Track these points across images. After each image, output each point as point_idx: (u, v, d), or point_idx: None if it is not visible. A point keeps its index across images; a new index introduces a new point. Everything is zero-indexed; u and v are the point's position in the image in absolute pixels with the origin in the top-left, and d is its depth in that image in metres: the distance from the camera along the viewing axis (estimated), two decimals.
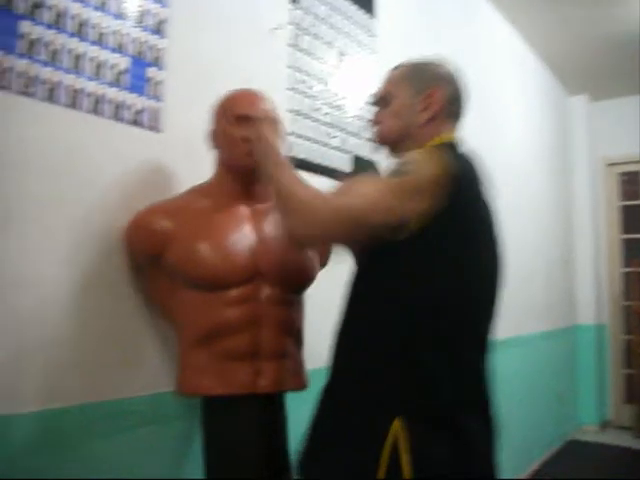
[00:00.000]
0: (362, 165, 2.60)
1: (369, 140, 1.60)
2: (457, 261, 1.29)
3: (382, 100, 1.51)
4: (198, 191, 1.63)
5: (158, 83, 1.72)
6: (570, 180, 5.72)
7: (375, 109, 1.54)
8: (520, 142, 4.52)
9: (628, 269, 5.72)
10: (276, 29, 2.18)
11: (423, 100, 1.43)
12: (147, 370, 1.65)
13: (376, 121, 1.52)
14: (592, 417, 5.50)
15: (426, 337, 1.27)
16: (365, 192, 1.27)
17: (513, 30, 4.50)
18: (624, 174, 5.84)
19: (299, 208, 1.29)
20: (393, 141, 1.48)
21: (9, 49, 1.37)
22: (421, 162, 1.28)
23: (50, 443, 1.41)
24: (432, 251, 1.27)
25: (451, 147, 1.42)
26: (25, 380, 1.37)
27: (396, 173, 1.28)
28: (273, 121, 1.54)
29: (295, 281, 1.63)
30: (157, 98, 1.71)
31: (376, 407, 1.26)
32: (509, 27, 4.43)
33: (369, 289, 1.35)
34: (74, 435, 1.45)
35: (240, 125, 1.55)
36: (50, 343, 1.43)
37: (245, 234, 1.56)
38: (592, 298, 5.63)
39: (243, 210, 1.60)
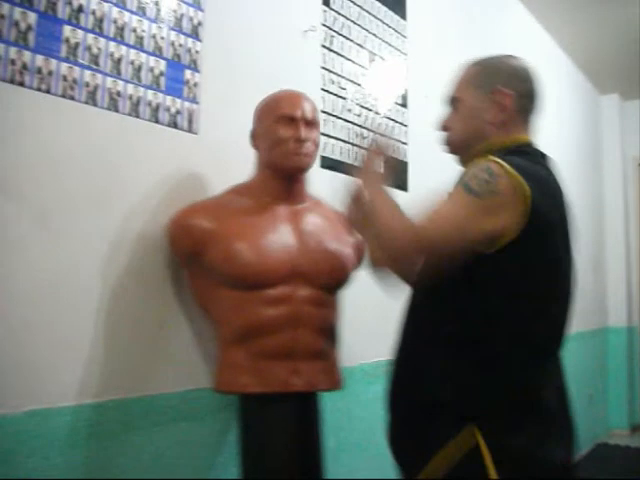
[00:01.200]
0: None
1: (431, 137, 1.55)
2: (536, 276, 1.30)
3: (451, 104, 1.46)
4: (238, 191, 1.65)
5: (194, 85, 1.75)
6: (601, 180, 5.64)
7: (445, 113, 1.48)
8: (553, 141, 4.46)
9: None
10: (309, 31, 2.20)
11: (490, 99, 1.38)
12: (182, 367, 1.68)
13: (445, 127, 1.47)
14: (622, 421, 5.43)
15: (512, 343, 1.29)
16: (447, 218, 1.24)
17: (544, 31, 4.47)
18: None
19: (391, 237, 1.26)
20: (464, 147, 1.43)
21: (53, 53, 1.41)
22: (494, 177, 1.22)
23: (89, 436, 1.44)
24: (512, 265, 1.26)
25: (523, 152, 1.37)
26: (66, 374, 1.41)
27: (472, 191, 1.23)
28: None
29: (332, 281, 1.64)
30: (193, 100, 1.74)
31: (453, 409, 1.27)
32: (540, 28, 4.41)
33: (446, 298, 1.31)
34: (112, 429, 1.48)
35: (283, 125, 1.57)
36: (91, 339, 1.46)
37: (283, 234, 1.58)
38: (623, 300, 5.55)
39: (282, 210, 1.62)
